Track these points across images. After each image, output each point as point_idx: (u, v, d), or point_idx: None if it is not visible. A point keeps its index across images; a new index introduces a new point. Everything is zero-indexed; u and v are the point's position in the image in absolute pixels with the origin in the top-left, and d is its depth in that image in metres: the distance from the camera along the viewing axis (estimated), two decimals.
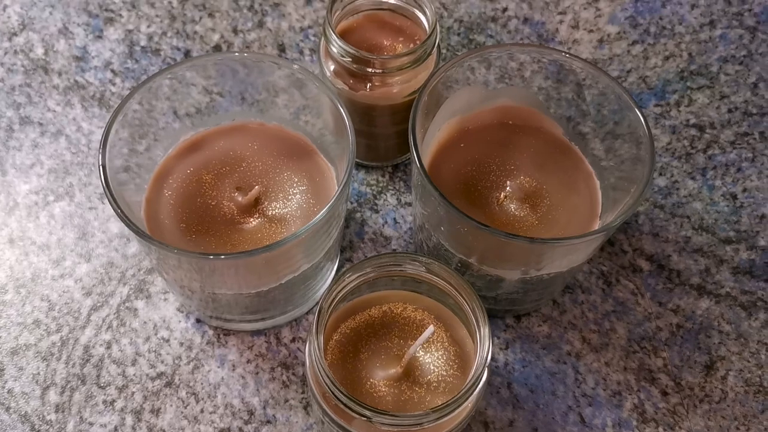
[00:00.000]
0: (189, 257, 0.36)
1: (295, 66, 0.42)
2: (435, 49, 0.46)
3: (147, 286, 0.46)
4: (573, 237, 0.37)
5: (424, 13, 0.46)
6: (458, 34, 0.58)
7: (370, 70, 0.44)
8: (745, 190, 0.52)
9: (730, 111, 0.55)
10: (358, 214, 0.50)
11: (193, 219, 0.42)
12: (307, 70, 0.42)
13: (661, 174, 0.53)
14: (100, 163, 0.38)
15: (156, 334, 0.45)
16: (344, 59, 0.44)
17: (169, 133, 0.45)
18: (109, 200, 0.37)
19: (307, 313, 0.46)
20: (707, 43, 0.59)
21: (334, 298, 0.37)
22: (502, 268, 0.40)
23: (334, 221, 0.40)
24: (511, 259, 0.39)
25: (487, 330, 0.35)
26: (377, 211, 0.50)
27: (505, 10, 0.60)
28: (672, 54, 0.58)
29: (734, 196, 0.52)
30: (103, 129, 0.39)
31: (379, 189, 0.51)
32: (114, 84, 0.55)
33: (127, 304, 0.46)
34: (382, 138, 0.50)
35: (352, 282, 0.38)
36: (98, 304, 0.46)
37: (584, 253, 0.40)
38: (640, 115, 0.41)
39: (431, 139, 0.45)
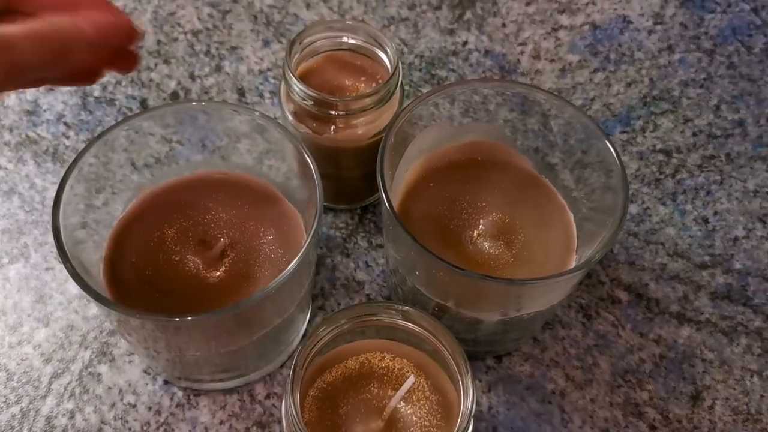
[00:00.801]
0: (153, 321, 0.34)
1: (256, 113, 0.40)
2: (398, 87, 0.45)
3: (110, 349, 0.44)
4: (552, 276, 0.36)
5: (386, 52, 0.45)
6: (420, 70, 0.58)
7: (333, 112, 0.43)
8: (716, 213, 0.52)
9: (694, 134, 0.55)
10: (329, 260, 0.48)
11: (156, 277, 0.40)
12: (268, 117, 0.41)
13: (632, 201, 0.52)
14: (53, 225, 0.36)
15: (122, 400, 0.43)
16: (306, 103, 0.43)
17: (127, 185, 0.43)
18: (65, 265, 0.35)
19: (281, 367, 0.44)
20: (667, 67, 0.59)
21: (308, 354, 0.35)
22: (480, 311, 0.39)
23: (304, 271, 0.38)
24: (489, 301, 0.38)
25: (470, 379, 0.34)
26: (348, 255, 0.49)
27: (465, 43, 0.59)
28: (634, 80, 0.58)
29: (706, 220, 0.51)
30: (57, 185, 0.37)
31: (349, 232, 0.50)
32: (68, 137, 0.53)
33: (89, 370, 0.43)
34: (349, 180, 0.49)
35: (326, 336, 0.36)
36: (59, 371, 0.43)
37: (564, 291, 0.39)
38: (609, 145, 0.40)
39: (399, 180, 0.44)
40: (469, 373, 0.34)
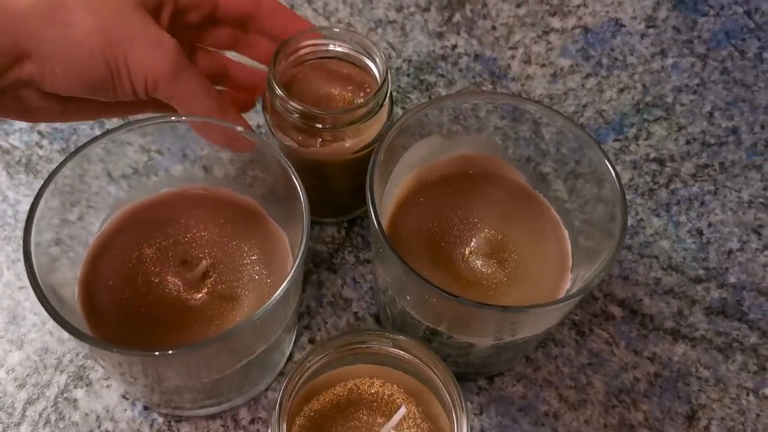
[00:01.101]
0: (130, 355, 0.32)
1: (239, 128, 0.38)
2: (387, 99, 0.43)
3: (87, 373, 0.42)
4: (549, 303, 0.34)
5: (374, 62, 0.43)
6: (408, 75, 0.56)
7: (320, 125, 0.41)
8: (710, 224, 0.51)
9: (688, 142, 0.54)
10: (315, 276, 0.47)
11: (134, 300, 0.38)
12: (252, 132, 0.39)
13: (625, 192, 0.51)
14: (24, 250, 0.34)
15: (99, 427, 0.41)
16: (292, 116, 0.41)
17: (103, 198, 0.41)
18: (36, 294, 0.33)
19: (266, 390, 0.43)
20: (660, 73, 0.58)
21: (295, 386, 0.34)
22: (473, 336, 0.37)
23: (291, 295, 0.37)
24: (483, 326, 0.37)
25: (464, 413, 0.33)
26: (335, 271, 0.47)
27: (454, 47, 0.58)
28: (626, 86, 0.57)
29: (700, 232, 0.50)
30: (31, 199, 0.35)
31: (336, 247, 0.48)
32: (41, 147, 0.50)
33: (65, 395, 0.42)
34: (335, 194, 0.47)
35: (313, 366, 0.34)
36: (34, 397, 0.41)
37: (561, 314, 0.38)
38: (610, 167, 0.39)
39: (389, 196, 0.42)
40: (464, 407, 0.33)
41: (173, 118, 0.39)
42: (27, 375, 0.42)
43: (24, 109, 0.37)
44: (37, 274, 0.34)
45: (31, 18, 0.33)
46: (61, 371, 0.42)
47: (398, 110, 0.54)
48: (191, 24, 0.42)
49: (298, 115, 0.41)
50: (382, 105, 0.42)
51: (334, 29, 0.44)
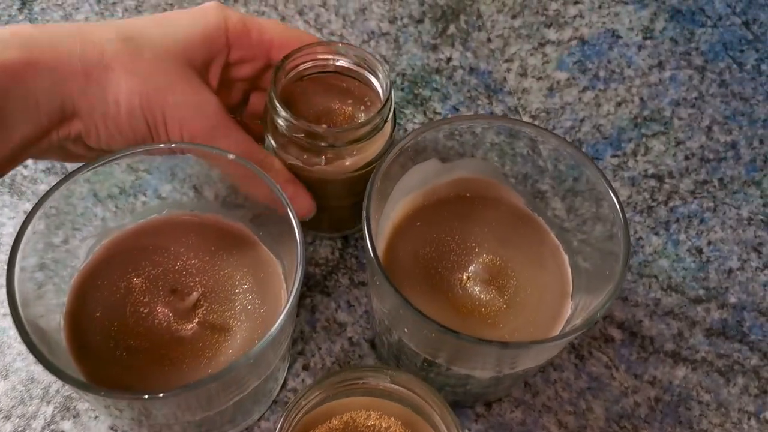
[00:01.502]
0: (117, 398, 0.31)
1: (231, 156, 0.37)
2: (391, 114, 0.42)
3: (74, 403, 0.41)
4: (551, 339, 0.33)
5: (377, 76, 0.42)
6: (402, 89, 0.55)
7: (323, 144, 0.40)
8: (710, 243, 0.50)
9: (687, 158, 0.53)
10: (308, 299, 0.46)
11: (123, 333, 0.37)
12: (246, 161, 0.37)
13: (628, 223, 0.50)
14: (8, 289, 0.33)
15: None
16: (296, 136, 0.40)
17: (89, 219, 0.40)
18: (19, 332, 0.32)
19: (258, 420, 0.42)
20: (658, 86, 0.57)
21: (291, 423, 0.33)
22: (473, 369, 0.37)
23: (287, 327, 0.36)
24: (482, 359, 0.36)
25: None
26: (328, 294, 0.46)
27: (449, 60, 0.57)
28: (624, 99, 0.56)
29: (700, 251, 0.49)
30: (17, 222, 0.34)
31: (329, 269, 0.47)
32: (26, 166, 0.49)
33: (52, 427, 0.40)
34: (335, 209, 0.46)
35: (310, 402, 0.33)
36: (20, 429, 0.40)
37: (563, 346, 0.37)
38: (611, 192, 0.38)
39: (386, 220, 0.41)
40: None
41: (162, 145, 0.38)
42: (13, 406, 0.41)
43: (68, 156, 0.40)
44: (19, 307, 0.33)
45: (78, 79, 0.35)
46: (48, 402, 0.41)
47: None
48: (245, 77, 0.43)
49: (302, 134, 0.40)
50: (386, 121, 0.41)
51: (338, 45, 0.43)
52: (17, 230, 0.34)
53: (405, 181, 0.41)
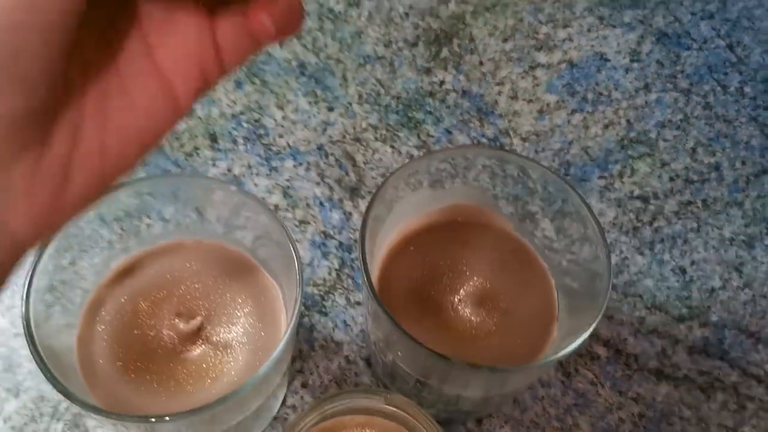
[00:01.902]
0: (125, 421, 0.33)
1: (233, 188, 0.39)
2: None
3: (83, 420, 0.43)
4: (539, 363, 0.35)
5: None
6: (397, 113, 0.57)
7: None
8: (693, 262, 0.52)
9: (671, 179, 0.55)
10: (306, 319, 0.48)
11: (130, 355, 0.39)
12: (246, 192, 0.39)
13: (611, 251, 0.52)
14: (25, 316, 0.35)
15: None
16: None
17: (96, 241, 0.42)
18: (36, 359, 0.34)
19: None
20: (644, 108, 0.59)
21: None
22: (464, 389, 0.38)
23: (288, 350, 0.38)
24: (472, 382, 0.38)
25: None
26: (326, 314, 0.48)
27: (442, 83, 0.58)
28: (611, 122, 0.58)
29: (683, 270, 0.51)
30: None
31: (326, 289, 0.49)
32: None
33: None
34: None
35: (307, 425, 0.35)
36: None
37: (550, 368, 0.39)
38: (594, 223, 0.40)
39: (380, 246, 0.43)
40: None
41: (158, 177, 0.40)
42: (24, 424, 0.43)
43: None
44: (33, 329, 0.35)
45: None
46: (58, 419, 0.43)
47: (387, 149, 0.55)
48: None
49: None
50: None
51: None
52: (34, 252, 0.36)
53: (398, 208, 0.43)
